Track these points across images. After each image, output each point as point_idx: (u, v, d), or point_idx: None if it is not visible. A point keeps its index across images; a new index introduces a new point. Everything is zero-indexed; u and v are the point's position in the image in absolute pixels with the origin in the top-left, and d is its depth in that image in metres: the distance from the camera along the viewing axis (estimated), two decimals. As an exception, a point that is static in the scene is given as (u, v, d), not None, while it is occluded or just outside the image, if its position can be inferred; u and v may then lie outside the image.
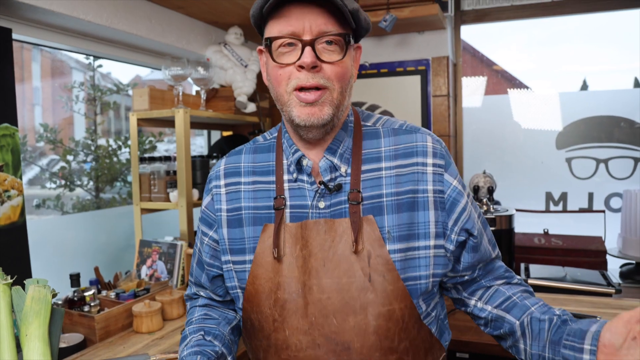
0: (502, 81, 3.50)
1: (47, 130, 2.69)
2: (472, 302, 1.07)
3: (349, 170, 1.00)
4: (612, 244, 2.55)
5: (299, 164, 1.01)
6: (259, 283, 0.98)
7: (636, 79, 3.74)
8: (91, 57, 2.87)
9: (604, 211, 2.64)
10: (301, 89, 0.92)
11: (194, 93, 2.49)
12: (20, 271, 1.68)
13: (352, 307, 0.92)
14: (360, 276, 0.93)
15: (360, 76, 2.84)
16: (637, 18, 2.66)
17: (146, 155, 2.26)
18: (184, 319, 1.75)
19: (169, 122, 2.30)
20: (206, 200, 1.10)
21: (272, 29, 0.93)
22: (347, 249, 0.94)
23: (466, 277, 1.05)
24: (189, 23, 2.33)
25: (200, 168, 2.23)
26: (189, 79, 2.19)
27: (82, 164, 2.79)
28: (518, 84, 3.24)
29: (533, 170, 2.91)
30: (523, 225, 2.72)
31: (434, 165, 0.99)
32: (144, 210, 2.18)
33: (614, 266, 2.44)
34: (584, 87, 3.56)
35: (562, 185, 2.85)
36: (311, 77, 0.90)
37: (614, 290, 1.92)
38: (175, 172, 2.15)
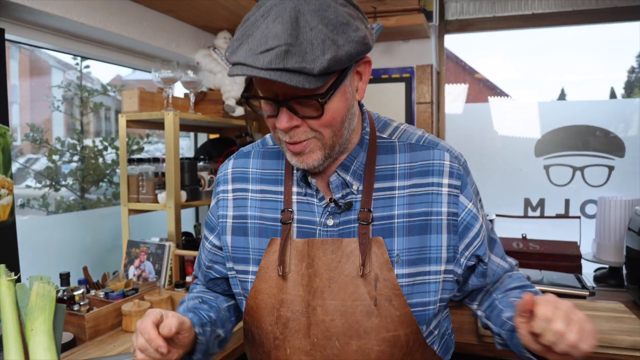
0: (483, 89, 3.59)
1: (34, 130, 2.68)
2: (474, 306, 1.11)
3: (361, 188, 0.96)
4: (587, 249, 2.65)
5: (305, 180, 0.98)
6: (261, 298, 0.96)
7: (612, 90, 3.88)
8: (78, 58, 2.86)
9: (579, 217, 2.74)
10: (288, 142, 0.89)
11: (181, 95, 2.52)
12: (10, 264, 1.68)
13: (356, 331, 0.91)
14: (366, 300, 0.91)
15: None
16: (614, 31, 2.77)
17: (135, 156, 2.27)
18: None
19: (158, 124, 2.32)
20: (212, 203, 1.10)
21: (255, 87, 0.89)
22: (353, 270, 0.92)
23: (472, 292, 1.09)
24: (179, 27, 2.35)
25: (189, 170, 2.25)
26: (179, 82, 2.22)
27: (61, 165, 2.78)
28: (499, 92, 3.34)
29: (512, 176, 3.00)
30: (502, 230, 2.80)
31: (449, 185, 0.96)
32: (132, 211, 2.19)
33: (588, 270, 2.53)
34: (562, 96, 3.68)
35: (540, 192, 2.95)
36: (292, 136, 0.87)
37: (587, 293, 2.01)
38: (163, 174, 2.16)
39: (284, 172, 1.02)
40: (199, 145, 2.97)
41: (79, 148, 2.89)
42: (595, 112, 2.93)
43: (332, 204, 0.96)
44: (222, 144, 2.84)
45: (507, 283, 1.07)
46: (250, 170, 1.05)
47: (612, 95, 3.87)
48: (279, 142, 0.92)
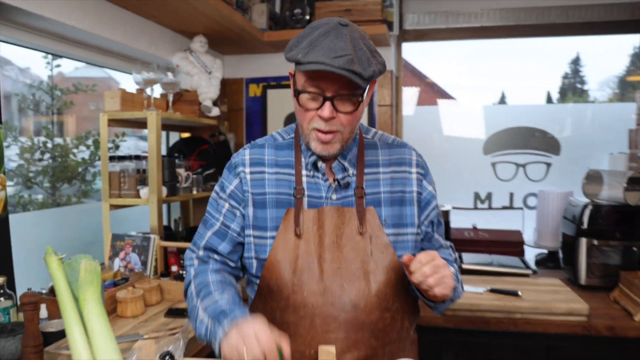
0: (433, 93, 3.89)
1: (6, 128, 2.70)
2: None
3: (355, 172, 1.24)
4: (529, 236, 2.96)
5: (314, 164, 1.23)
6: (281, 255, 1.18)
7: (548, 94, 4.27)
8: (49, 57, 2.90)
9: (522, 208, 3.06)
10: (320, 131, 1.13)
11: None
12: (3, 260, 1.76)
13: (358, 275, 1.17)
14: (364, 251, 1.18)
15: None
16: (551, 43, 3.11)
17: (116, 154, 2.36)
18: (163, 305, 1.91)
19: (137, 123, 2.42)
20: (234, 182, 1.26)
21: (301, 80, 1.12)
22: (354, 230, 1.19)
23: None
24: (159, 30, 2.46)
25: (168, 167, 2.36)
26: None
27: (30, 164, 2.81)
28: (447, 96, 3.63)
29: (463, 173, 3.29)
30: (455, 221, 3.07)
31: (417, 173, 1.29)
32: (113, 207, 2.28)
33: (530, 255, 2.84)
34: (502, 100, 4.03)
35: (487, 186, 3.25)
36: (327, 125, 1.12)
37: (530, 272, 2.30)
38: (144, 171, 2.27)
39: (294, 159, 1.26)
40: (171, 144, 3.07)
41: (49, 146, 2.93)
42: (533, 115, 3.26)
43: (336, 183, 1.23)
44: (193, 142, 2.95)
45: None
46: (266, 157, 1.27)
47: (549, 98, 4.27)
48: (308, 132, 1.16)
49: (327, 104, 1.09)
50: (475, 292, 2.00)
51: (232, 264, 1.30)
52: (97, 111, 3.73)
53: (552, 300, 1.92)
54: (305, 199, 1.23)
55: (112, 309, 1.79)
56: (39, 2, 1.73)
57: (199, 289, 1.19)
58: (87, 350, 0.87)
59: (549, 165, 3.19)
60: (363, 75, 1.04)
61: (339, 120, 1.12)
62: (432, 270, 1.05)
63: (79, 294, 0.93)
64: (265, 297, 1.23)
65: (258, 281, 1.24)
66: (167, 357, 0.98)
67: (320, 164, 1.23)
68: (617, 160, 2.82)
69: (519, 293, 1.96)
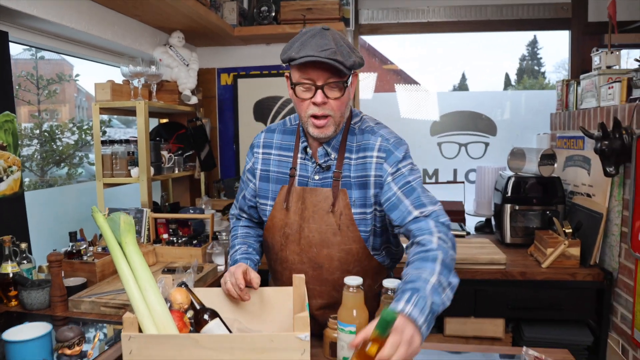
0: (392, 77, 4.25)
1: None
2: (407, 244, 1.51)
3: (336, 157, 1.46)
4: (470, 206, 3.43)
5: (305, 150, 1.50)
6: (274, 222, 1.53)
7: (507, 75, 4.65)
8: (33, 49, 3.13)
9: (463, 182, 3.53)
10: (314, 116, 1.37)
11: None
12: (21, 228, 2.07)
13: (326, 243, 1.46)
14: (333, 225, 1.45)
15: (278, 75, 3.44)
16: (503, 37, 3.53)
17: (108, 138, 2.65)
18: (158, 265, 2.26)
19: (124, 111, 2.72)
20: (251, 160, 1.60)
21: (295, 76, 1.35)
22: (327, 207, 1.45)
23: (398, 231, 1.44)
24: (141, 28, 2.75)
25: (154, 150, 2.68)
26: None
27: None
28: (407, 81, 4.00)
29: (413, 151, 3.70)
30: (406, 194, 3.51)
31: (377, 157, 1.43)
32: (106, 185, 2.59)
33: (472, 223, 3.31)
34: (463, 83, 4.41)
35: (434, 164, 3.69)
36: (320, 110, 1.34)
37: (465, 233, 2.76)
38: (134, 153, 2.59)
39: (294, 143, 1.54)
40: (150, 128, 3.36)
41: (37, 132, 3.18)
42: (479, 101, 3.69)
43: (318, 166, 1.49)
44: (171, 127, 3.27)
45: (417, 258, 1.25)
46: (274, 141, 1.58)
47: (507, 80, 4.64)
48: (306, 120, 1.38)
49: (319, 92, 1.32)
50: (418, 249, 2.43)
51: (255, 220, 1.70)
52: (72, 98, 3.96)
53: (477, 253, 2.37)
54: (296, 178, 1.51)
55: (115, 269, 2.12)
56: (44, 7, 2.02)
57: (231, 240, 1.65)
58: (131, 276, 1.22)
59: (487, 144, 3.66)
60: (345, 63, 1.28)
61: (329, 106, 1.35)
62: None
63: (120, 239, 1.28)
64: (266, 249, 1.62)
65: (262, 237, 1.63)
66: (182, 285, 1.33)
67: (308, 149, 1.49)
68: (542, 140, 3.30)
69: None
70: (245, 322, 1.39)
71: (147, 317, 1.16)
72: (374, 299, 1.45)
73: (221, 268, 2.29)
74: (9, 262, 1.85)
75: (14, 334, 1.28)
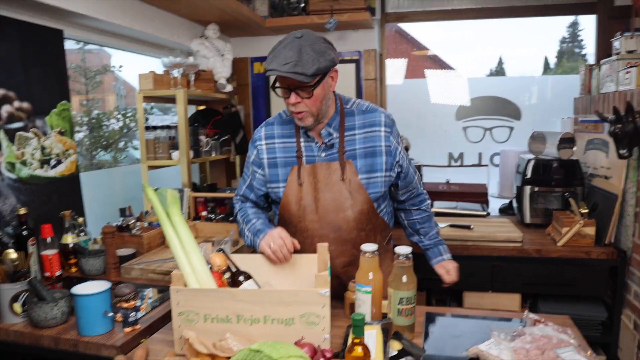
0: (424, 63, 4.34)
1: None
2: (401, 215, 1.94)
3: (337, 135, 1.68)
4: (495, 189, 3.53)
5: (306, 134, 1.70)
6: (290, 198, 1.70)
7: (546, 59, 4.62)
8: (81, 42, 3.39)
9: (487, 165, 3.63)
10: (294, 112, 1.60)
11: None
12: (77, 205, 2.32)
13: (341, 208, 1.66)
14: (345, 192, 1.65)
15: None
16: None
17: (150, 125, 2.88)
18: (198, 240, 2.47)
19: (165, 99, 2.94)
20: (254, 152, 1.78)
21: (272, 78, 1.56)
22: (337, 178, 1.66)
23: (400, 198, 1.87)
24: (179, 22, 2.96)
25: (192, 134, 2.90)
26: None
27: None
28: (441, 65, 4.08)
29: (439, 136, 3.83)
30: (431, 177, 3.64)
31: (385, 131, 1.68)
32: (150, 167, 2.82)
33: (495, 205, 3.41)
34: (500, 68, 4.43)
35: (459, 147, 3.80)
36: (296, 108, 1.57)
37: (485, 213, 2.88)
38: (173, 138, 2.81)
39: (294, 131, 1.73)
40: (189, 115, 3.58)
41: (85, 119, 3.45)
42: (507, 86, 3.77)
43: (323, 145, 1.70)
44: (208, 113, 3.47)
45: (424, 225, 1.93)
46: (275, 132, 1.76)
47: (546, 63, 4.61)
48: (291, 113, 1.63)
49: (292, 94, 1.55)
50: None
51: (261, 205, 1.87)
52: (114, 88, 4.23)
53: (496, 231, 2.50)
54: (304, 158, 1.70)
55: (161, 241, 2.36)
56: (94, 7, 2.24)
57: (243, 218, 1.79)
58: (178, 241, 1.42)
59: (511, 129, 3.73)
60: (306, 73, 1.47)
61: (304, 104, 1.57)
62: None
63: (168, 210, 1.48)
64: (283, 224, 1.78)
65: (279, 214, 1.79)
66: (221, 251, 1.53)
67: (309, 133, 1.70)
68: (566, 124, 3.36)
69: (471, 227, 2.54)
70: (274, 284, 1.58)
71: (191, 275, 1.36)
72: (386, 253, 1.83)
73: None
74: (69, 233, 2.10)
75: (80, 289, 1.51)
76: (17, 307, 1.63)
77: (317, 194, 1.68)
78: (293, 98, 1.56)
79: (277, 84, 1.58)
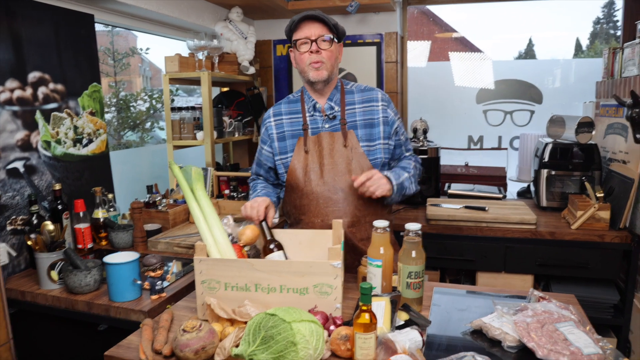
0: (448, 46, 4.30)
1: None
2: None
3: (339, 109, 1.87)
4: (514, 173, 3.55)
5: (314, 107, 1.87)
6: (296, 164, 1.84)
7: (578, 40, 4.49)
8: (110, 26, 3.50)
9: (506, 149, 3.64)
10: (312, 62, 1.78)
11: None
12: (107, 182, 2.44)
13: (344, 172, 1.81)
14: (348, 158, 1.82)
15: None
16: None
17: (176, 106, 2.98)
18: (221, 216, 2.58)
19: (190, 81, 3.04)
20: (262, 131, 1.96)
21: (295, 35, 1.80)
22: (340, 145, 1.83)
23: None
24: (204, 5, 3.04)
25: (216, 115, 2.99)
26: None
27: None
28: (468, 47, 4.02)
29: (459, 118, 3.84)
30: (451, 159, 3.68)
31: (382, 105, 1.88)
32: (175, 147, 2.94)
33: (514, 189, 3.43)
34: (530, 49, 4.31)
35: (479, 130, 3.81)
36: (316, 57, 1.78)
37: (502, 196, 2.91)
38: (198, 119, 2.91)
39: (300, 107, 1.91)
40: (213, 96, 3.68)
41: (114, 101, 3.57)
42: (531, 69, 3.74)
43: (326, 117, 1.87)
44: (232, 95, 3.57)
45: (399, 167, 1.94)
46: (282, 109, 1.94)
47: (578, 45, 4.46)
48: (306, 68, 1.80)
49: (313, 44, 1.76)
50: (453, 208, 2.63)
51: (271, 181, 2.02)
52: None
53: (510, 213, 2.54)
54: (309, 130, 1.87)
55: (185, 217, 2.48)
56: (125, -9, 2.33)
57: (252, 189, 1.97)
58: (201, 214, 1.52)
59: (532, 112, 3.72)
60: (329, 21, 1.76)
61: (322, 55, 1.78)
62: (368, 179, 1.69)
63: (192, 186, 1.58)
64: (290, 190, 1.90)
65: (286, 182, 1.90)
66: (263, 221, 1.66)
67: (318, 105, 1.88)
68: (588, 108, 3.34)
69: (486, 208, 2.59)
70: (293, 257, 1.67)
71: (213, 246, 1.46)
72: (388, 215, 1.97)
73: (275, 221, 2.59)
74: (100, 209, 2.23)
75: (111, 258, 1.63)
76: (54, 274, 1.76)
77: (322, 160, 1.84)
78: (314, 46, 1.77)
79: (301, 37, 1.78)
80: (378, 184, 1.70)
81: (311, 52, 1.77)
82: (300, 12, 3.45)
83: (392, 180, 1.77)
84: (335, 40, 1.81)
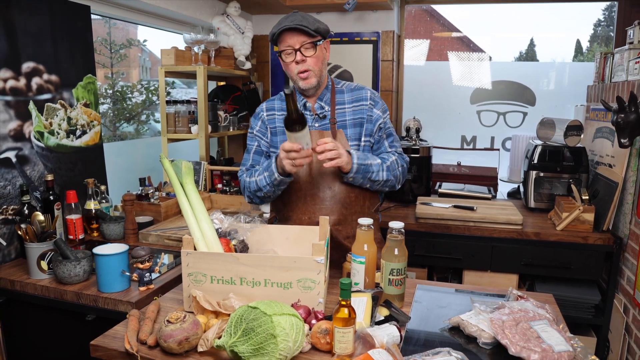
0: (454, 44, 4.30)
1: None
2: None
3: (329, 108, 1.88)
4: (504, 174, 3.58)
5: (304, 106, 1.89)
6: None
7: (578, 42, 4.50)
8: (106, 18, 3.51)
9: (498, 149, 3.67)
10: (299, 72, 1.78)
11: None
12: (100, 174, 2.47)
13: (332, 170, 1.81)
14: None
15: (326, 42, 3.66)
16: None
17: (171, 99, 3.01)
18: (212, 211, 2.62)
19: (186, 74, 3.06)
20: (258, 123, 1.96)
21: (279, 46, 1.79)
22: None
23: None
24: (201, -1, 3.06)
25: (211, 109, 3.02)
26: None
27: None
28: (478, 49, 4.04)
29: (453, 118, 3.87)
30: (442, 159, 3.71)
31: (370, 104, 1.89)
32: (170, 140, 2.96)
33: (505, 189, 3.46)
34: (531, 50, 4.32)
35: (473, 131, 3.84)
36: (302, 67, 1.77)
37: (491, 196, 2.95)
38: (193, 112, 2.93)
39: None
40: (209, 90, 3.70)
41: (110, 92, 3.59)
42: (526, 71, 3.77)
43: (316, 116, 1.88)
44: (228, 89, 3.59)
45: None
46: (275, 105, 1.95)
47: (578, 47, 4.47)
48: (295, 77, 1.80)
49: (297, 53, 1.75)
50: (442, 207, 2.67)
51: None
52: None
53: (497, 213, 2.58)
54: None
55: (177, 210, 2.50)
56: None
57: (249, 175, 1.91)
58: (190, 208, 1.55)
59: (525, 114, 3.76)
60: (309, 27, 1.72)
61: (308, 62, 1.77)
62: (323, 149, 1.64)
63: (182, 180, 1.60)
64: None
65: None
66: (290, 92, 1.60)
67: (307, 104, 1.89)
68: (579, 111, 3.38)
69: (474, 208, 2.63)
70: (279, 252, 1.71)
71: (200, 240, 1.49)
72: (374, 223, 1.83)
73: (267, 216, 2.62)
74: (92, 200, 2.25)
75: (101, 249, 1.66)
76: (44, 264, 1.79)
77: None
78: (299, 56, 1.76)
79: (284, 47, 1.77)
80: (335, 155, 1.66)
81: (297, 62, 1.77)
82: (297, 8, 3.48)
83: (353, 158, 1.74)
84: (320, 42, 1.79)
